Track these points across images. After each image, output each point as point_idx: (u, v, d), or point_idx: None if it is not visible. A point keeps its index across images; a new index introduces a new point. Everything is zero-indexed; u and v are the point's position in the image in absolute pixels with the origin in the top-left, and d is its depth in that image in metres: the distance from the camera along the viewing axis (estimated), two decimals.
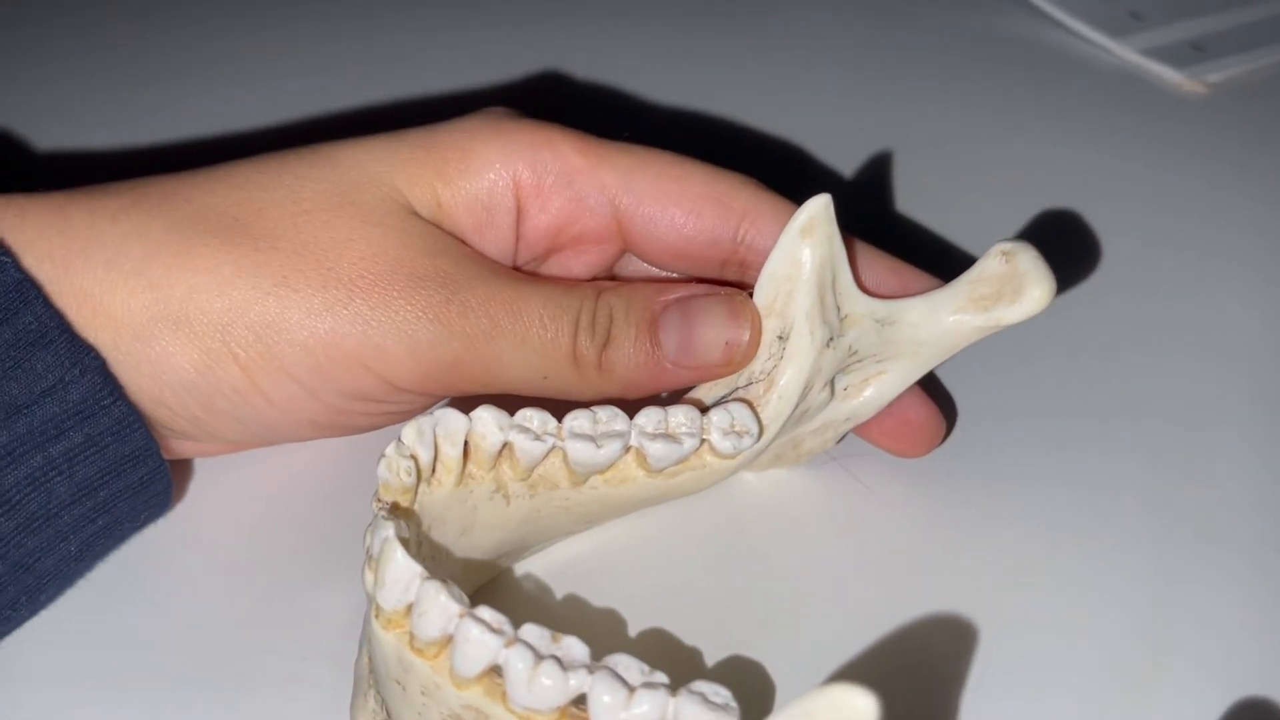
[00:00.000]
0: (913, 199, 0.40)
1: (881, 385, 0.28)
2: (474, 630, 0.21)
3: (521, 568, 0.28)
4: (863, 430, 0.30)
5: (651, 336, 0.27)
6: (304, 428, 0.27)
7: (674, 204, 0.28)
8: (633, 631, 0.27)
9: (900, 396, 0.29)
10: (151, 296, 0.25)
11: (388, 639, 0.22)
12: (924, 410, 0.30)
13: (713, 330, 0.26)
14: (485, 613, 0.21)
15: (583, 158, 0.28)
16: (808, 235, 0.26)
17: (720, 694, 0.21)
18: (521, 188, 0.27)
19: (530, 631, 0.21)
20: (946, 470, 0.31)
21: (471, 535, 0.26)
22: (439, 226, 0.27)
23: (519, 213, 0.28)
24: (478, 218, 0.27)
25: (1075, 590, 0.28)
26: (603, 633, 0.27)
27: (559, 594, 0.28)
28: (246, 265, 0.25)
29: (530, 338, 0.26)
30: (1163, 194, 0.42)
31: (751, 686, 0.26)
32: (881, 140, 0.43)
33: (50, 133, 0.42)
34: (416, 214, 0.27)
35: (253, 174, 0.27)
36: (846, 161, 0.42)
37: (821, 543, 0.29)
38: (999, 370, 0.34)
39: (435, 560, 0.25)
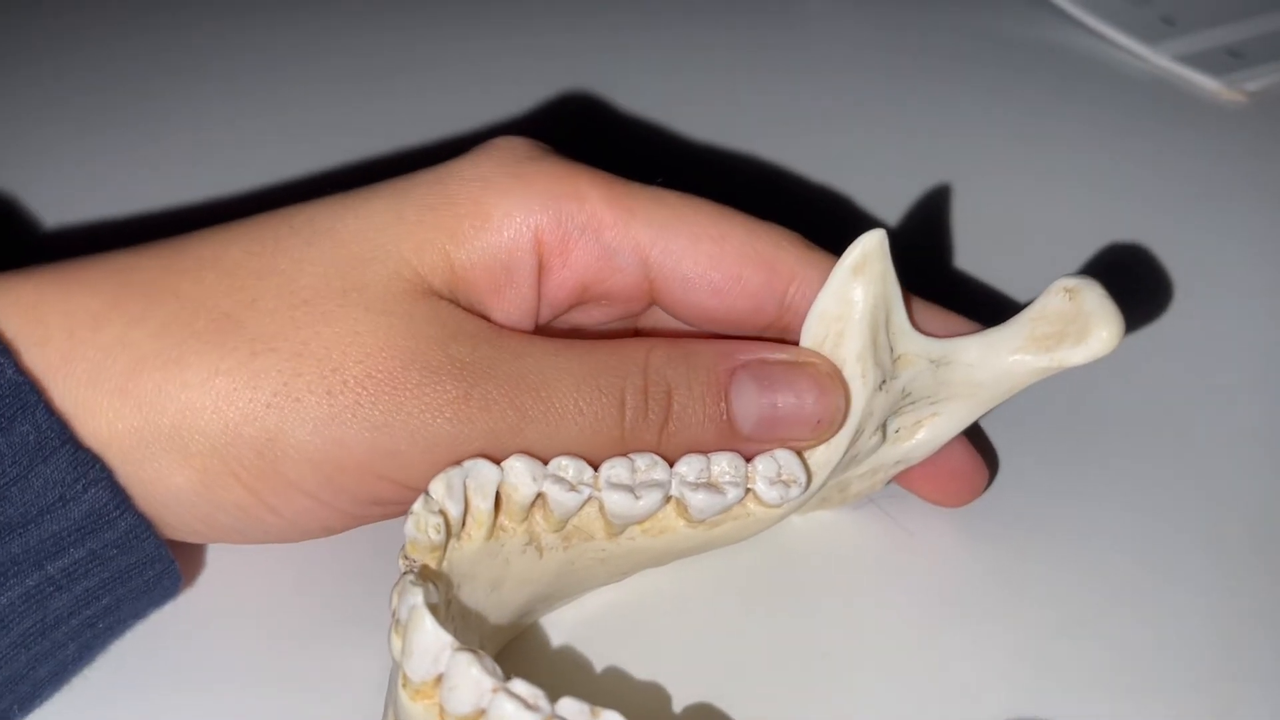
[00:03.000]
0: (951, 229, 0.39)
1: (935, 428, 0.27)
2: (508, 707, 0.20)
3: (550, 620, 0.27)
4: (904, 478, 0.28)
5: (722, 407, 0.24)
6: (318, 533, 0.25)
7: (714, 267, 0.25)
8: (677, 702, 0.25)
9: (947, 443, 0.27)
10: (140, 417, 0.22)
11: (416, 710, 0.21)
12: (966, 458, 0.28)
13: (798, 402, 0.24)
14: (520, 687, 0.20)
15: (613, 210, 0.25)
16: (860, 273, 0.24)
17: None
18: (544, 244, 0.25)
19: (568, 707, 0.20)
20: (989, 513, 0.29)
21: (501, 591, 0.24)
22: (454, 294, 0.24)
23: (541, 270, 0.25)
24: (496, 279, 0.25)
25: (1134, 645, 0.27)
26: (643, 701, 0.25)
27: (591, 650, 0.26)
28: (242, 374, 0.22)
29: (565, 424, 0.23)
30: (1201, 209, 0.40)
31: None
32: (915, 163, 0.41)
33: (45, 193, 0.39)
34: (427, 289, 0.24)
35: (245, 257, 0.24)
36: (884, 195, 0.40)
37: (866, 594, 0.28)
38: (1041, 409, 0.32)
39: (464, 620, 0.24)
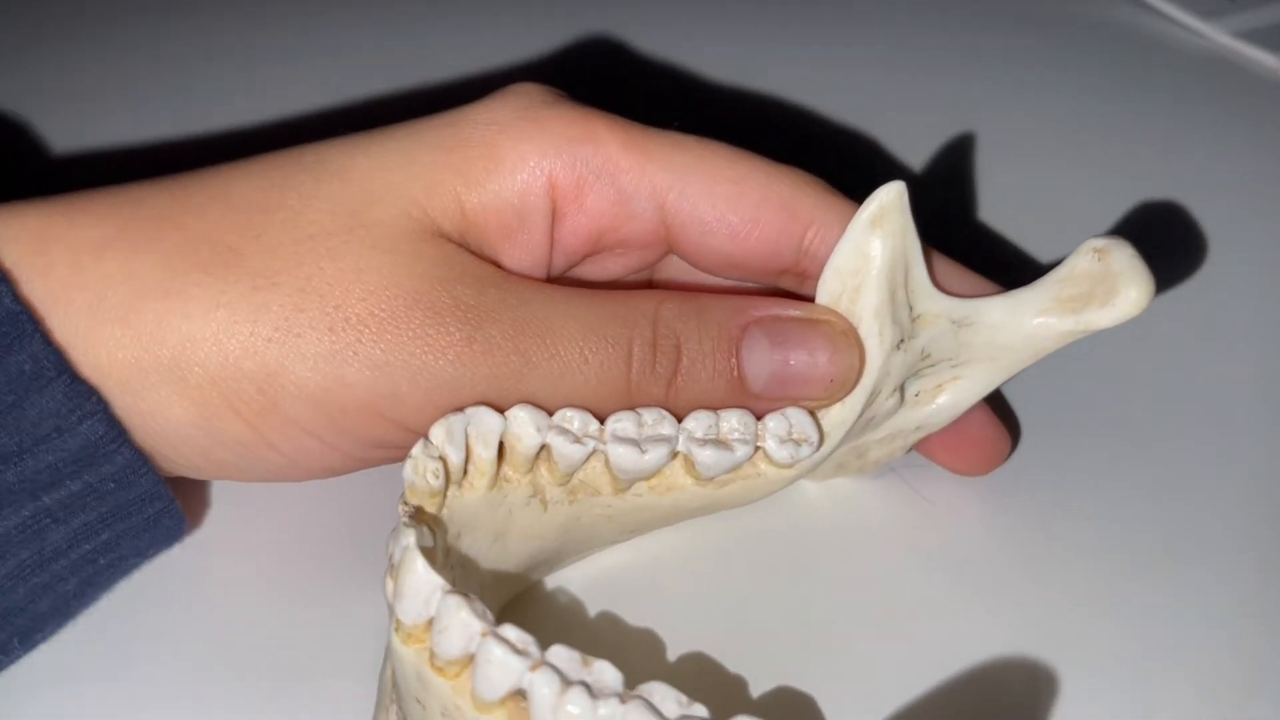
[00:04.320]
0: (989, 193, 0.38)
1: (956, 392, 0.26)
2: (496, 651, 0.19)
3: (556, 579, 0.26)
4: (923, 445, 0.28)
5: (733, 363, 0.24)
6: (320, 473, 0.24)
7: (732, 210, 0.24)
8: (673, 655, 0.25)
9: (968, 410, 0.26)
10: (140, 347, 0.22)
11: (407, 654, 0.20)
12: (987, 426, 0.27)
13: (812, 360, 0.23)
14: (510, 632, 0.19)
15: (629, 154, 0.24)
16: (878, 226, 0.24)
17: None
18: (558, 188, 0.24)
19: (558, 654, 0.20)
20: (1012, 484, 0.28)
21: (505, 543, 0.24)
22: (464, 238, 0.24)
23: (555, 216, 0.25)
24: (508, 224, 0.24)
25: (1157, 622, 0.26)
26: (640, 656, 0.25)
27: (596, 609, 0.26)
28: (244, 308, 0.22)
29: (570, 373, 0.23)
30: (1258, 189, 0.39)
31: None
32: (955, 128, 0.40)
33: (59, 121, 0.39)
34: (436, 231, 0.23)
35: (253, 192, 0.23)
36: (917, 152, 0.39)
37: (882, 563, 0.27)
38: (1068, 377, 0.31)
39: (464, 569, 0.23)
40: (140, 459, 0.23)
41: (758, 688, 0.24)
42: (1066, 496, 0.28)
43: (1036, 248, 0.36)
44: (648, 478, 0.24)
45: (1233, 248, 0.36)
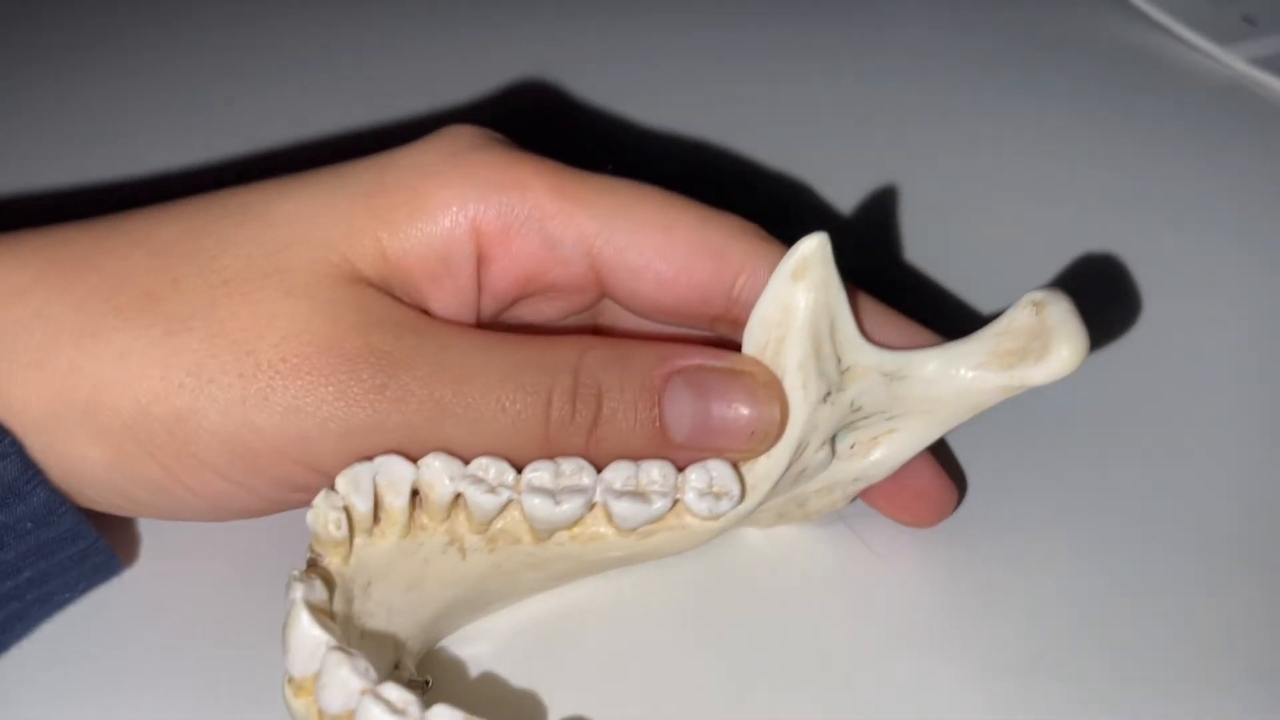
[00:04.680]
0: (983, 227, 0.37)
1: (893, 445, 0.25)
2: (374, 710, 0.19)
3: (481, 626, 0.26)
4: (868, 495, 0.27)
5: (654, 414, 0.23)
6: (241, 514, 0.25)
7: (660, 257, 0.24)
8: (584, 710, 0.24)
9: (907, 461, 0.26)
10: (54, 390, 0.22)
11: (298, 706, 0.20)
12: (932, 478, 0.27)
13: (734, 411, 0.23)
14: (390, 691, 0.19)
15: (556, 200, 0.24)
16: (799, 279, 0.23)
17: None
18: (483, 234, 0.24)
19: (439, 714, 0.19)
20: (962, 535, 0.28)
21: (421, 591, 0.24)
22: (388, 283, 0.24)
23: (481, 261, 0.24)
24: (433, 269, 0.24)
25: (1104, 681, 0.25)
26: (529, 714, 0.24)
27: (518, 659, 0.25)
28: (156, 353, 0.22)
29: (486, 421, 0.23)
30: (1271, 225, 0.37)
31: None
32: (933, 161, 0.39)
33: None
34: (356, 276, 0.23)
35: (174, 236, 0.24)
36: (874, 189, 0.38)
37: (820, 614, 0.26)
38: (1017, 426, 0.30)
39: (375, 619, 0.23)
40: (58, 499, 0.23)
41: None
42: (1015, 549, 0.27)
43: (1033, 282, 0.35)
44: (568, 527, 0.24)
45: (1237, 272, 0.35)
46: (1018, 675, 0.25)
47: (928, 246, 0.36)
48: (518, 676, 0.25)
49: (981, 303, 0.34)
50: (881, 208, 0.37)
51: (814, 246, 0.23)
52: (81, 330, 0.22)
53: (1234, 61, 0.45)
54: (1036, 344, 0.24)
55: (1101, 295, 0.35)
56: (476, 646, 0.25)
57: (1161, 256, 0.36)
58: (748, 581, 0.27)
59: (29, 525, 0.23)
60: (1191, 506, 0.29)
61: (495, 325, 0.26)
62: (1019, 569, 0.27)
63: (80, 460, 0.23)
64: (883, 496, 0.27)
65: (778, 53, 0.46)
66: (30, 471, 0.22)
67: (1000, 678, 0.25)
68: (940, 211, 0.38)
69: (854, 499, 0.27)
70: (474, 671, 0.25)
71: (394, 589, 0.23)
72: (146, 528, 0.28)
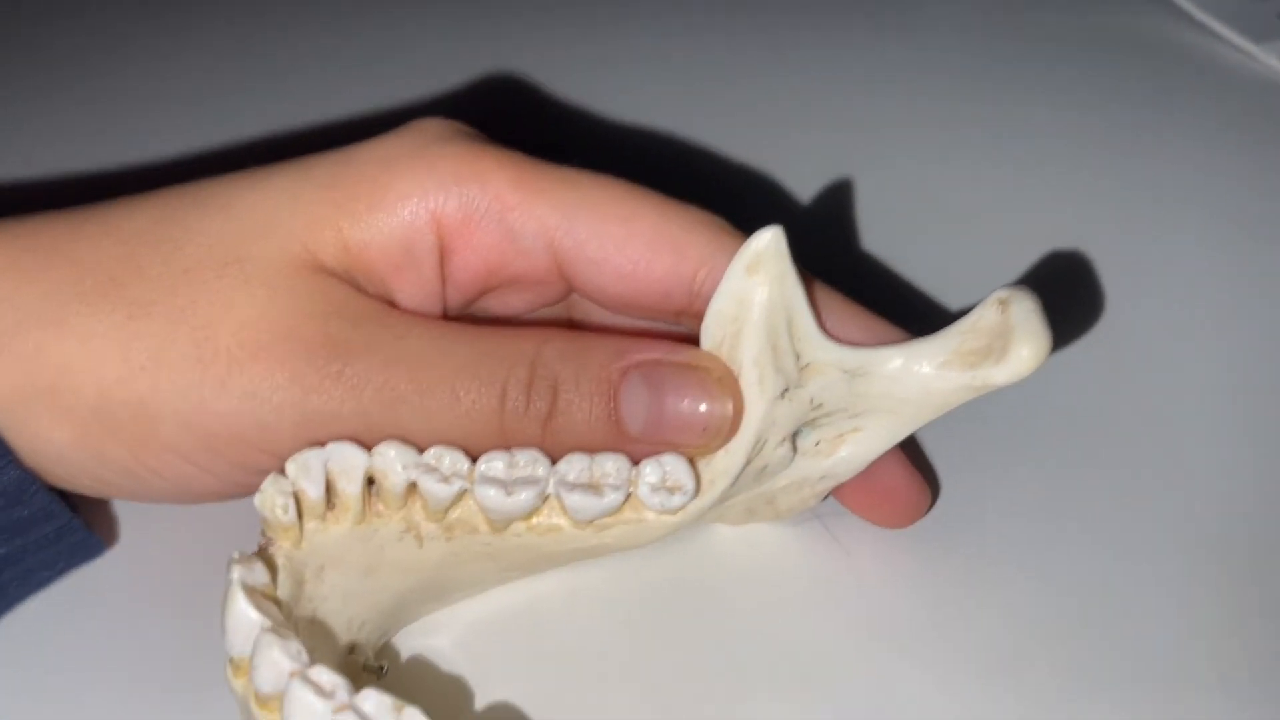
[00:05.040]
0: (996, 217, 0.36)
1: (859, 444, 0.25)
2: (302, 693, 0.19)
3: (445, 616, 0.26)
4: (840, 495, 0.27)
5: (610, 407, 0.23)
6: (209, 497, 0.25)
7: (619, 250, 0.24)
8: (541, 704, 0.24)
9: (878, 462, 0.25)
10: (20, 372, 0.23)
11: (237, 687, 0.21)
12: (902, 477, 0.26)
13: (688, 406, 0.23)
14: (320, 674, 0.20)
15: (517, 191, 0.24)
16: (754, 273, 0.23)
17: None
18: (444, 225, 0.24)
19: (369, 698, 0.20)
20: (936, 537, 0.27)
21: (378, 577, 0.24)
22: (351, 274, 0.24)
23: (443, 252, 0.25)
24: (395, 260, 0.24)
25: (1076, 681, 0.24)
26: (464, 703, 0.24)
27: (474, 652, 0.25)
28: (118, 337, 0.23)
29: (440, 411, 0.23)
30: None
31: None
32: (944, 148, 0.39)
33: None
34: (317, 266, 0.24)
35: (143, 224, 0.24)
36: (880, 196, 0.38)
37: (785, 612, 0.26)
38: (990, 426, 0.29)
39: (329, 603, 0.23)
40: (28, 478, 0.24)
41: None
42: (988, 550, 0.27)
43: (1012, 278, 0.34)
44: (522, 518, 0.24)
45: (1247, 286, 0.34)
46: (988, 676, 0.25)
47: (896, 240, 0.36)
48: (475, 668, 0.25)
49: (952, 299, 0.34)
50: (843, 199, 0.37)
51: (768, 240, 0.23)
52: (48, 316, 0.23)
53: (1266, 58, 0.43)
54: (999, 343, 0.23)
55: (1085, 294, 0.34)
56: (436, 638, 0.26)
57: (1177, 252, 0.35)
58: (716, 578, 0.27)
59: (0, 503, 0.24)
60: (1165, 506, 0.28)
61: (463, 318, 0.26)
62: (992, 570, 0.27)
63: (47, 442, 0.23)
64: (854, 496, 0.27)
65: (748, 47, 0.46)
66: (0, 450, 0.23)
67: (971, 679, 0.25)
68: (912, 204, 0.37)
69: (826, 497, 0.27)
70: (431, 661, 0.25)
71: (349, 574, 0.24)
72: (125, 511, 0.28)
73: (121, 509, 0.28)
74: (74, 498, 0.25)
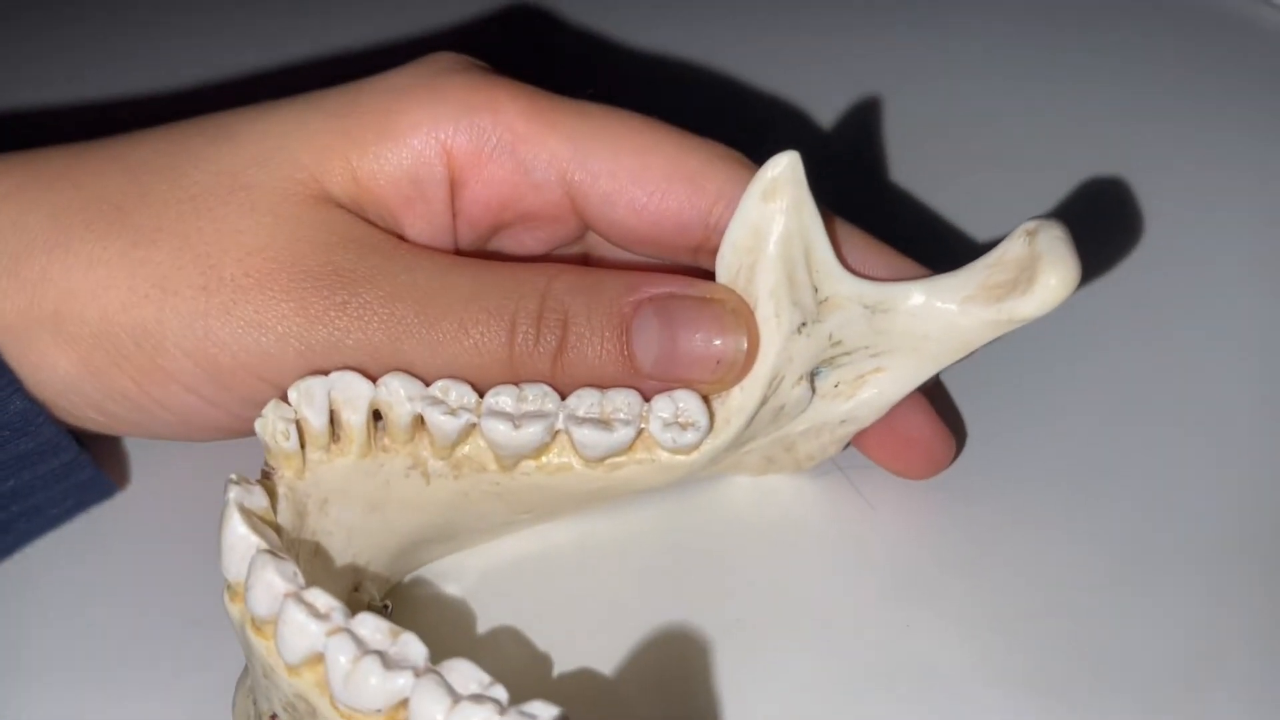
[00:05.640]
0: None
1: (881, 385, 0.24)
2: (295, 613, 0.19)
3: (457, 563, 0.25)
4: (862, 443, 0.26)
5: (622, 342, 0.23)
6: (214, 433, 0.25)
7: (634, 183, 0.24)
8: (554, 647, 0.24)
9: (901, 409, 0.24)
10: (24, 297, 0.23)
11: (234, 611, 0.20)
12: (928, 427, 0.25)
13: (701, 340, 0.22)
14: (315, 595, 0.19)
15: (529, 123, 0.24)
16: (770, 200, 0.22)
17: (550, 713, 0.18)
18: (455, 157, 0.24)
19: (365, 622, 0.19)
20: (959, 490, 0.26)
21: (384, 514, 0.24)
22: (360, 205, 0.24)
23: (454, 185, 0.24)
24: (404, 192, 0.24)
25: (1099, 641, 0.23)
26: (518, 656, 0.24)
27: (491, 597, 0.25)
28: (122, 265, 0.22)
29: (447, 343, 0.22)
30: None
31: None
32: (959, 100, 0.37)
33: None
34: (325, 197, 0.23)
35: (149, 154, 0.24)
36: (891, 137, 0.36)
37: (802, 564, 0.25)
38: (1020, 373, 0.28)
39: (333, 538, 0.23)
40: (34, 408, 0.23)
41: (646, 698, 0.23)
42: (1013, 503, 0.26)
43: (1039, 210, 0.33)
44: (532, 456, 0.23)
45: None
46: (1011, 633, 0.24)
47: (926, 171, 0.34)
48: (485, 615, 0.25)
49: (984, 233, 0.32)
50: (871, 129, 0.36)
51: (784, 165, 0.22)
52: (53, 241, 0.23)
53: None
54: (1025, 275, 0.22)
55: (1124, 225, 0.33)
56: (446, 585, 0.25)
57: (1219, 183, 0.34)
58: (734, 529, 0.26)
59: (6, 434, 0.23)
60: (1204, 457, 0.27)
61: (476, 256, 0.26)
62: (1016, 523, 0.26)
63: (51, 370, 0.23)
64: (876, 444, 0.26)
65: None
66: (5, 378, 0.23)
67: (994, 635, 0.24)
68: (944, 134, 0.36)
69: (846, 445, 0.26)
70: (440, 608, 0.25)
71: (353, 509, 0.23)
72: (136, 454, 0.28)
73: (132, 452, 0.28)
74: (83, 440, 0.25)
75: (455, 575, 0.25)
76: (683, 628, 0.24)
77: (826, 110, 0.37)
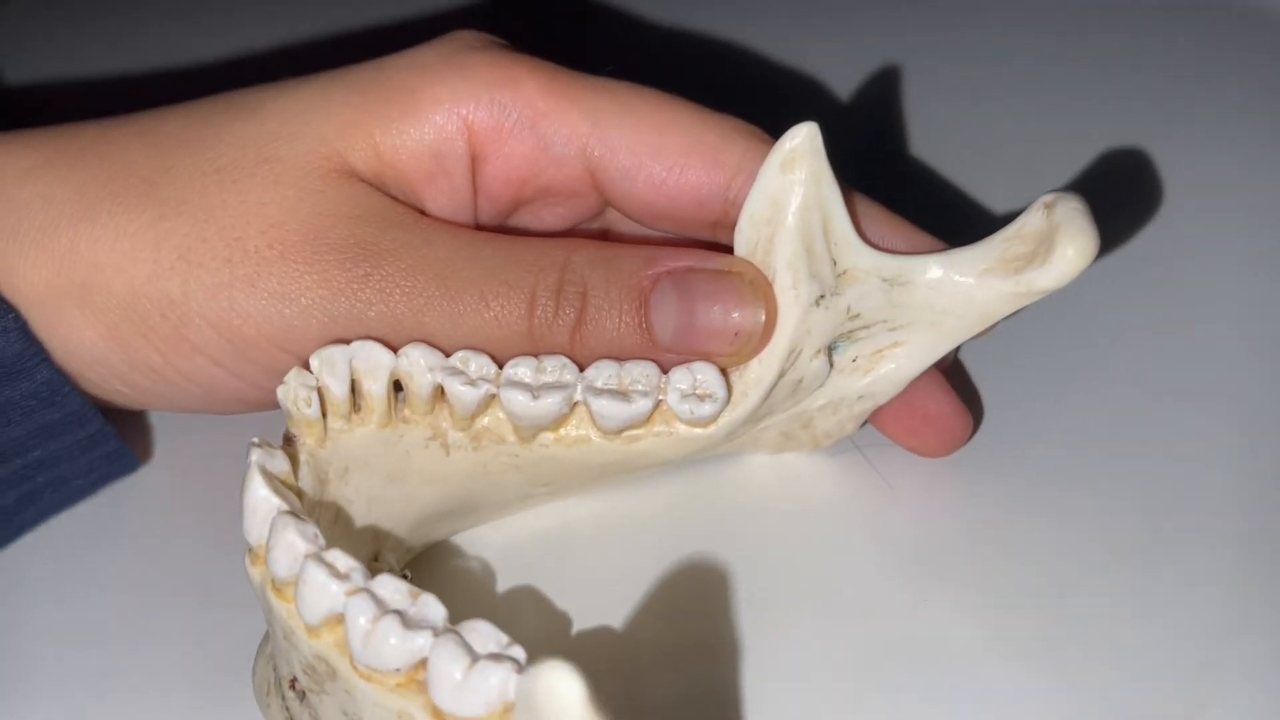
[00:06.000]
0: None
1: (899, 359, 0.24)
2: (316, 573, 0.19)
3: (476, 537, 0.26)
4: (879, 420, 0.26)
5: (640, 315, 0.23)
6: (238, 405, 0.25)
7: (653, 157, 0.24)
8: (576, 616, 0.24)
9: (918, 386, 0.24)
10: (52, 269, 0.23)
11: (254, 575, 0.21)
12: (945, 404, 0.25)
13: (719, 313, 0.22)
14: (336, 556, 0.19)
15: (549, 98, 0.24)
16: (788, 170, 0.22)
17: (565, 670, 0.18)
18: (476, 132, 0.24)
19: (384, 583, 0.19)
20: (980, 468, 0.26)
21: (404, 484, 0.24)
22: (382, 180, 0.24)
23: (475, 160, 0.24)
24: (426, 167, 0.24)
25: (1118, 620, 0.23)
26: (539, 622, 0.24)
27: (512, 569, 0.25)
28: (147, 237, 0.23)
29: (468, 315, 0.23)
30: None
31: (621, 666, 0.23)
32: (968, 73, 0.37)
33: (19, 62, 0.41)
34: (347, 171, 0.24)
35: (175, 128, 0.24)
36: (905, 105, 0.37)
37: (817, 541, 0.25)
38: (1038, 351, 0.28)
39: (354, 506, 0.23)
40: (60, 379, 0.24)
41: (663, 665, 0.23)
42: (1030, 481, 0.26)
43: (1057, 183, 0.33)
44: (550, 427, 0.23)
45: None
46: (1029, 611, 0.24)
47: (945, 145, 0.34)
48: (504, 583, 0.25)
49: (1003, 207, 0.32)
50: (890, 102, 0.36)
51: (803, 136, 0.22)
52: (80, 213, 0.23)
53: None
54: (1044, 247, 0.22)
55: (1142, 198, 0.33)
56: (465, 560, 0.25)
57: (1237, 157, 0.34)
58: (751, 507, 0.26)
59: (33, 404, 0.24)
60: (1223, 431, 0.27)
61: (496, 232, 0.26)
62: (1033, 501, 0.25)
63: (79, 341, 0.23)
64: (893, 421, 0.26)
65: None
66: (33, 348, 0.23)
67: (1011, 614, 0.24)
68: (964, 107, 0.36)
69: (864, 422, 0.26)
70: (459, 575, 0.25)
71: (374, 479, 0.23)
72: (159, 429, 0.28)
73: (156, 426, 0.28)
74: (108, 415, 0.25)
75: (474, 547, 0.26)
76: (703, 588, 0.24)
77: (844, 84, 0.37)
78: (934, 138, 0.35)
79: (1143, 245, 0.31)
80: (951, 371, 0.26)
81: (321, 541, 0.20)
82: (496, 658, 0.18)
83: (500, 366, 0.23)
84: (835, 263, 0.23)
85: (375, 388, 0.23)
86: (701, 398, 0.23)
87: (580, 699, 0.15)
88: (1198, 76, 0.37)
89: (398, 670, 0.19)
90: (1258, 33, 0.39)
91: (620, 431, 0.23)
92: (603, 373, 0.23)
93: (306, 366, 0.23)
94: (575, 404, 0.23)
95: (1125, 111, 0.36)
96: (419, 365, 0.23)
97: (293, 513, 0.20)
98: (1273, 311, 0.30)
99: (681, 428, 0.24)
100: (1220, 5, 0.40)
